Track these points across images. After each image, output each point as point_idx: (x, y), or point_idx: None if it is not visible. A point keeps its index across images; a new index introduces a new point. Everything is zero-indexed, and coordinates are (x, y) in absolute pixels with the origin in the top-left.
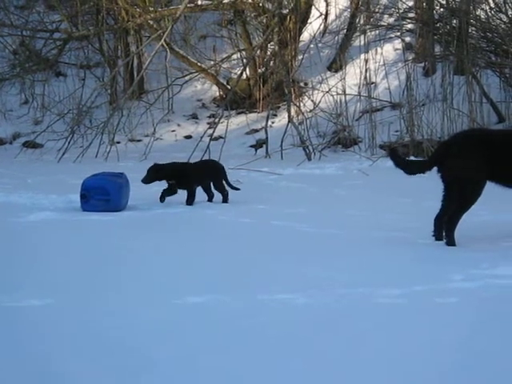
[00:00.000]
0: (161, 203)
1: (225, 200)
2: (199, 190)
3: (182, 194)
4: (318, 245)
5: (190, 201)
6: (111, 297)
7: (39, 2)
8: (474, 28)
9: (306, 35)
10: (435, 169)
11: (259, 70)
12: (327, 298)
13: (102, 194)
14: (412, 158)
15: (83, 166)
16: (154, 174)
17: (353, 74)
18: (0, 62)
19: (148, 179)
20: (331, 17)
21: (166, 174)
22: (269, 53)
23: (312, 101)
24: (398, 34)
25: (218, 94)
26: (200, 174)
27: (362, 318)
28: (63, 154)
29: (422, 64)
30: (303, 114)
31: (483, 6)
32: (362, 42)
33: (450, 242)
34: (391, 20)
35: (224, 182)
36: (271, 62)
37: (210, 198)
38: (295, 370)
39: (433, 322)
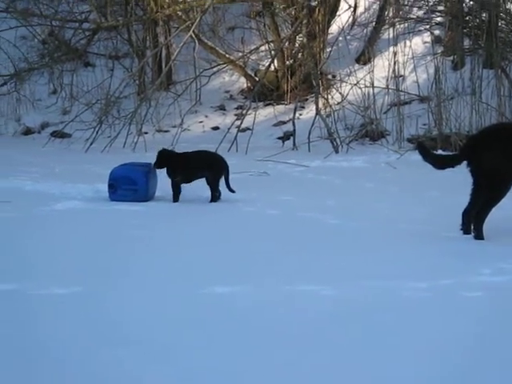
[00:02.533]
0: (184, 196)
1: (213, 199)
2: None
3: (204, 189)
4: (345, 237)
5: (174, 196)
6: (137, 286)
7: None
8: (503, 21)
9: (334, 27)
10: (464, 162)
11: (287, 62)
12: (353, 291)
13: (130, 184)
14: (440, 151)
15: (111, 155)
16: (160, 158)
17: (381, 66)
18: (29, 51)
19: (157, 164)
20: (360, 9)
21: (163, 160)
22: (297, 45)
23: (340, 93)
24: (427, 27)
25: (245, 85)
26: (187, 165)
27: (387, 311)
28: (91, 143)
29: (451, 57)
30: (331, 106)
31: None
32: (391, 35)
33: (479, 236)
34: (420, 13)
35: (225, 181)
36: (299, 54)
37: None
38: (319, 361)
39: (459, 316)
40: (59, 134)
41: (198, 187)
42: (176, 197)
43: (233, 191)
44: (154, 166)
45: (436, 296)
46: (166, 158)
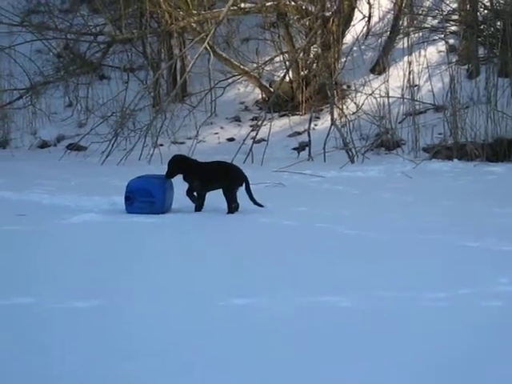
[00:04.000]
0: (201, 210)
1: (229, 211)
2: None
3: (221, 200)
4: (362, 247)
5: (199, 206)
6: (155, 298)
7: (83, 6)
8: None
9: (348, 37)
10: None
11: (302, 73)
12: (370, 302)
13: (147, 196)
14: (455, 160)
15: (127, 168)
16: (177, 165)
17: (396, 76)
18: (45, 64)
19: (170, 172)
20: (374, 19)
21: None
22: (312, 55)
23: (355, 103)
24: (442, 36)
25: (260, 96)
26: (208, 176)
27: (406, 322)
28: (107, 156)
29: (466, 66)
30: (346, 116)
31: None
32: (406, 45)
33: None
34: (435, 22)
35: (248, 195)
36: (314, 65)
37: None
38: (336, 374)
39: (478, 326)
40: (75, 147)
41: (215, 199)
42: (199, 206)
43: (260, 205)
44: (166, 176)
45: (455, 306)
46: (183, 165)
